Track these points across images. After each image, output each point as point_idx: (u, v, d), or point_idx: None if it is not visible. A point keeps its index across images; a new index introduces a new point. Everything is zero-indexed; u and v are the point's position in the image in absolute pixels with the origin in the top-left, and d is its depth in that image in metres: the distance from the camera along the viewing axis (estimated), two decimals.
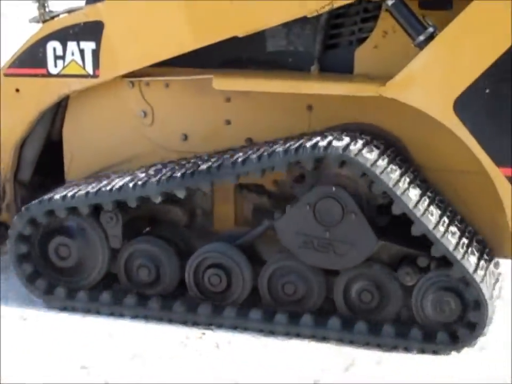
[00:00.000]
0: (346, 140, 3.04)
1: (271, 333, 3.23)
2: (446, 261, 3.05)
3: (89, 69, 3.51)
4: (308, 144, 3.02)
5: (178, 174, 3.21)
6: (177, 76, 3.51)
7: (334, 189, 3.03)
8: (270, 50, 3.45)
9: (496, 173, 3.05)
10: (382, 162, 3.03)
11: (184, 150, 3.56)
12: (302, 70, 3.42)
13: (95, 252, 3.39)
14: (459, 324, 3.07)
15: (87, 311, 3.41)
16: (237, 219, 3.59)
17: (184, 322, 3.31)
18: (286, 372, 2.93)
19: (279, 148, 3.08)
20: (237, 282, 3.29)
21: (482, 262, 3.07)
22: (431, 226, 2.97)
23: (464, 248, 3.03)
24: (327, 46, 3.38)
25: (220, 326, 3.27)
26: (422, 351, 3.09)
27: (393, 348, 3.11)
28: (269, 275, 3.25)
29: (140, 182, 3.26)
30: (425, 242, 3.04)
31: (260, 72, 3.40)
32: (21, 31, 3.87)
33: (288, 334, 3.21)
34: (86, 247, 3.41)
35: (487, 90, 2.98)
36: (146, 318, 3.35)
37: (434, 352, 3.07)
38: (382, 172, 2.98)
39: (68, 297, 3.43)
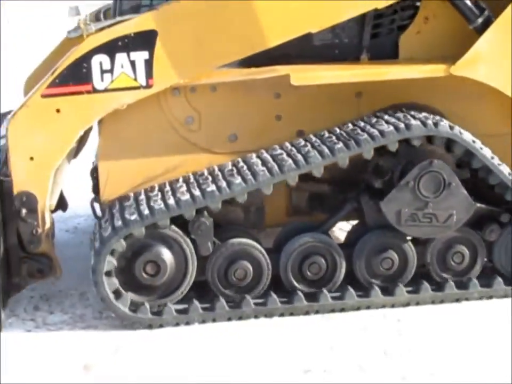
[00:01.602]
0: (434, 117, 3.16)
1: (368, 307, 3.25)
2: None
3: (142, 79, 3.17)
4: (415, 123, 3.06)
5: (264, 170, 3.11)
6: (227, 78, 3.28)
7: (436, 162, 3.08)
8: (316, 44, 3.39)
9: None
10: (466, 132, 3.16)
11: (234, 150, 3.41)
12: (347, 60, 3.41)
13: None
14: None
15: None
16: (288, 211, 3.48)
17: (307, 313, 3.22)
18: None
19: (388, 128, 3.08)
20: (335, 267, 3.20)
21: None
22: (507, 174, 3.19)
23: None
24: (371, 35, 3.39)
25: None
26: None
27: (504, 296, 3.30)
28: (366, 255, 3.21)
29: (224, 185, 3.08)
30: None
31: (329, 65, 3.32)
32: None
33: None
34: None
35: None
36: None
37: None
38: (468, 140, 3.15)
39: None
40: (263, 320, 3.17)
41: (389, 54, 3.44)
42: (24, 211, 3.16)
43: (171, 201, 3.07)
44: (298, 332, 3.08)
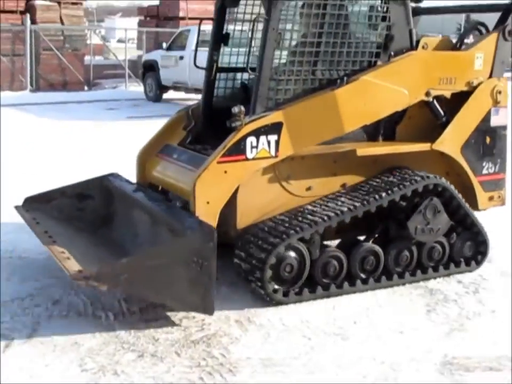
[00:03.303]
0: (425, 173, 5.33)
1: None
2: (465, 227, 5.48)
3: (273, 152, 4.97)
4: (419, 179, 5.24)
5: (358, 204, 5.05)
6: (315, 151, 5.16)
7: (434, 199, 5.17)
8: (356, 131, 5.37)
9: (474, 179, 5.67)
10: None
11: (308, 196, 5.26)
12: (371, 141, 5.49)
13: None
14: (477, 254, 5.59)
15: None
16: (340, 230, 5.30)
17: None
18: None
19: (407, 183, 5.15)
20: (381, 261, 5.21)
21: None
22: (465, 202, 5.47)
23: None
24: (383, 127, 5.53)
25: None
26: (468, 271, 5.56)
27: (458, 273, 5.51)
28: (395, 252, 5.25)
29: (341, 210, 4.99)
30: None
31: (367, 143, 5.41)
32: None
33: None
34: None
35: (472, 141, 5.62)
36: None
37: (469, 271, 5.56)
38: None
39: None
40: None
41: (391, 137, 5.57)
42: None
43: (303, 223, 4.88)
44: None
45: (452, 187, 5.35)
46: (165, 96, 17.37)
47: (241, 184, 4.96)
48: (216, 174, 4.79)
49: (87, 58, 19.18)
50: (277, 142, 4.93)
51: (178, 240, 4.51)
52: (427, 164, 5.55)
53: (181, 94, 17.18)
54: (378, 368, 4.12)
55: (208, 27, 16.95)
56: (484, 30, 5.79)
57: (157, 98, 17.16)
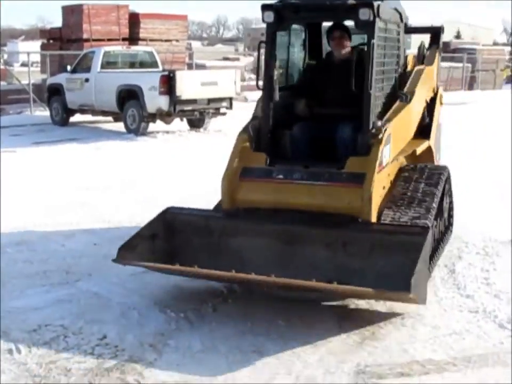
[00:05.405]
0: None
1: None
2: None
3: (389, 159, 5.41)
4: None
5: None
6: None
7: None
8: None
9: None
10: None
11: None
12: None
13: None
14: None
15: None
16: None
17: None
18: None
19: None
20: None
21: None
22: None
23: None
24: None
25: None
26: None
27: None
28: None
29: None
30: None
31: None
32: None
33: None
34: None
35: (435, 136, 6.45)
36: None
37: None
38: None
39: None
40: None
41: None
42: None
43: None
44: None
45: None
46: (72, 119, 16.84)
47: None
48: (377, 184, 5.12)
49: None
50: (389, 150, 5.41)
51: (421, 241, 4.62)
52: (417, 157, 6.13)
53: (87, 117, 16.69)
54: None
55: (113, 48, 17.05)
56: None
57: (64, 122, 16.62)
